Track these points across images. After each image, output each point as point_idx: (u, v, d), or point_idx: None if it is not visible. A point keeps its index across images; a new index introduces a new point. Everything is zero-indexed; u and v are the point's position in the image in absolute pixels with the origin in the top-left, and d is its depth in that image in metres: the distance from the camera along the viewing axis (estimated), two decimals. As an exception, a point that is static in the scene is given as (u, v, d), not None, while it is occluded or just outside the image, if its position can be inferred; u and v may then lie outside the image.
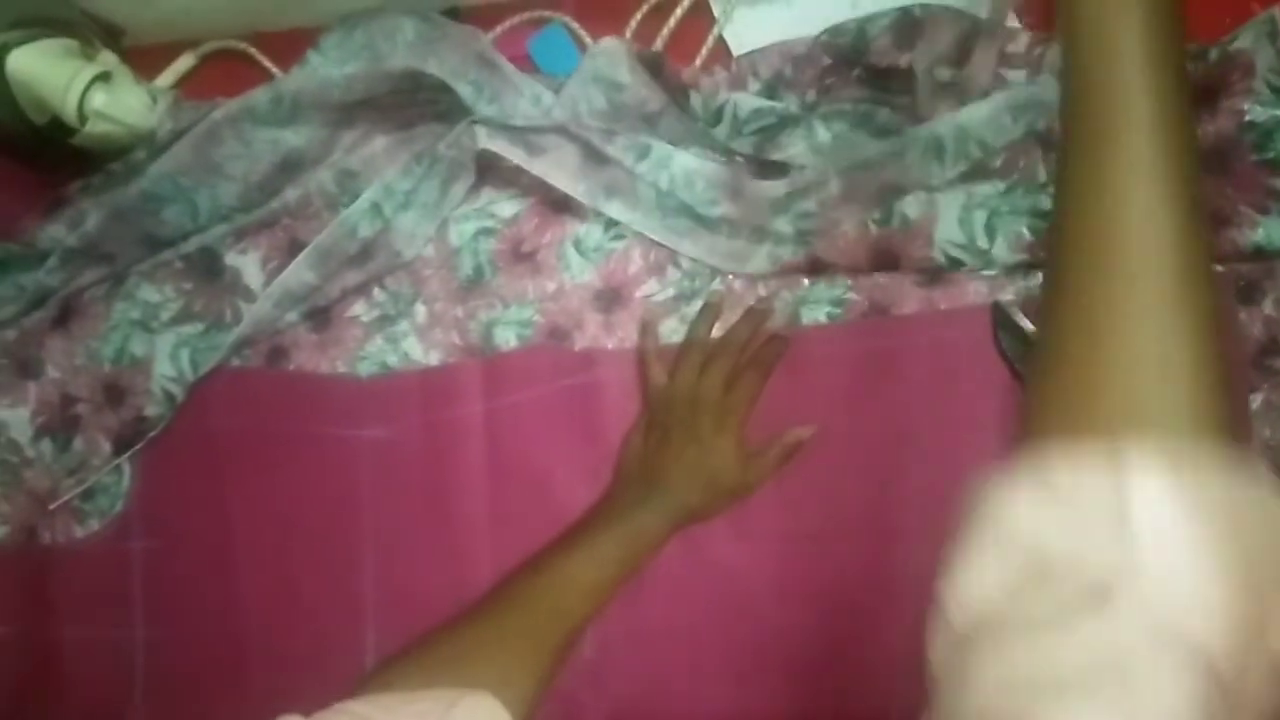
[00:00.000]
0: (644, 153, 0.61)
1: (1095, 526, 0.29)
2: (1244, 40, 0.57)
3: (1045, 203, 0.58)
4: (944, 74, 0.59)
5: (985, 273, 0.61)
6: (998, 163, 0.59)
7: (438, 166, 0.62)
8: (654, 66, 0.60)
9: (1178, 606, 0.27)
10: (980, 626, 0.30)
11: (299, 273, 0.63)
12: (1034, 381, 0.34)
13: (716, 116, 0.61)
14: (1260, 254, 0.59)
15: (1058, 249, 0.34)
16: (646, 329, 0.63)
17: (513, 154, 0.61)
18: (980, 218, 0.59)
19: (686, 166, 0.61)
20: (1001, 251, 0.59)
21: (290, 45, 0.66)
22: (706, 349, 0.62)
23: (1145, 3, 0.33)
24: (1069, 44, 0.35)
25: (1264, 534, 0.29)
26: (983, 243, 0.59)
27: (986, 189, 0.59)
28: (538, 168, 0.62)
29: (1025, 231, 0.59)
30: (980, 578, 0.31)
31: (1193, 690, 0.26)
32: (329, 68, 0.65)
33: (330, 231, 0.63)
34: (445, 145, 0.61)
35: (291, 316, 0.66)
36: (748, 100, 0.61)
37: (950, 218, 0.59)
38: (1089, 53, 0.34)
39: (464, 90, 0.61)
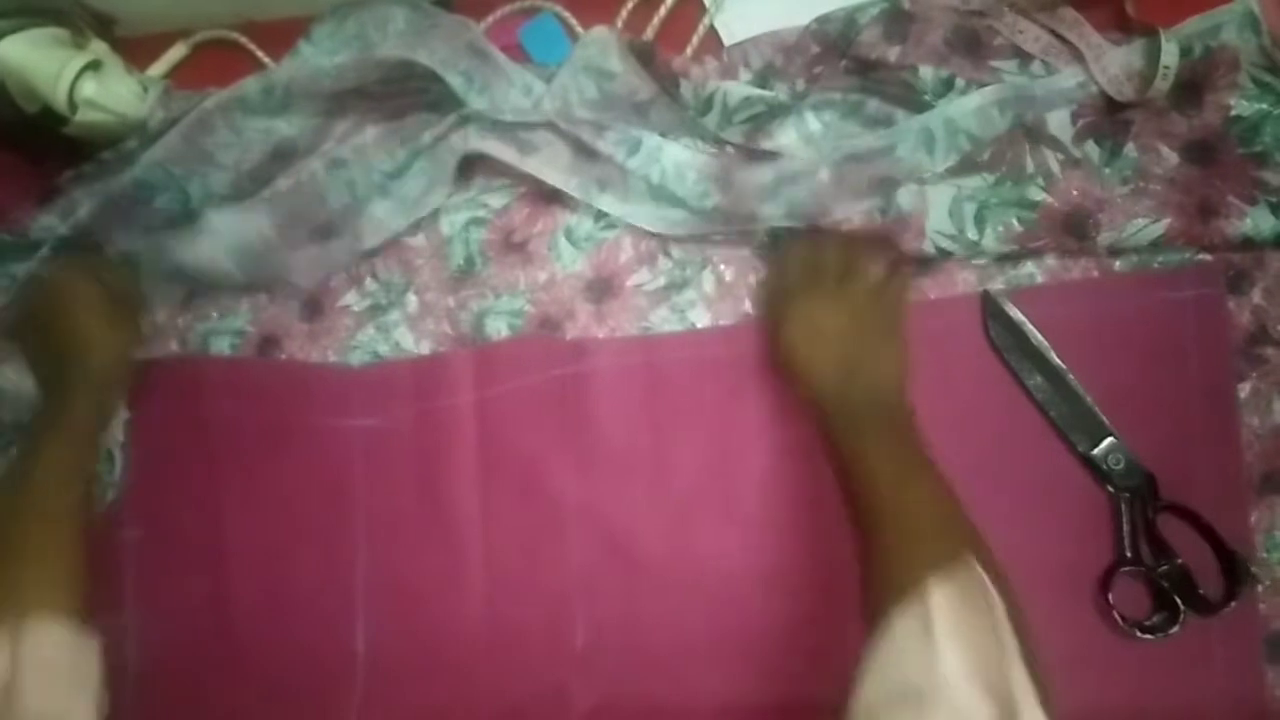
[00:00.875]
0: (635, 147, 0.61)
1: (914, 654, 0.43)
2: (1228, 34, 0.57)
3: (1032, 194, 0.59)
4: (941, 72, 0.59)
5: (975, 261, 0.62)
6: (985, 155, 0.59)
7: (422, 163, 0.62)
8: (644, 56, 0.60)
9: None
10: None
11: (257, 219, 0.63)
12: (865, 575, 0.50)
13: (707, 105, 0.61)
14: (1249, 243, 0.59)
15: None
16: None
17: (504, 154, 0.62)
18: (970, 209, 0.59)
19: (677, 159, 0.61)
20: (991, 242, 0.59)
21: (282, 35, 0.66)
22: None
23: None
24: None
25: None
26: (972, 234, 0.59)
27: (975, 181, 0.59)
28: (530, 165, 0.62)
29: (1015, 222, 0.59)
30: (866, 699, 0.44)
31: None
32: (320, 57, 0.65)
33: (301, 185, 0.63)
34: (431, 134, 0.61)
35: (233, 272, 0.64)
36: (738, 89, 0.61)
37: (941, 209, 0.59)
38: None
39: (454, 80, 0.61)
